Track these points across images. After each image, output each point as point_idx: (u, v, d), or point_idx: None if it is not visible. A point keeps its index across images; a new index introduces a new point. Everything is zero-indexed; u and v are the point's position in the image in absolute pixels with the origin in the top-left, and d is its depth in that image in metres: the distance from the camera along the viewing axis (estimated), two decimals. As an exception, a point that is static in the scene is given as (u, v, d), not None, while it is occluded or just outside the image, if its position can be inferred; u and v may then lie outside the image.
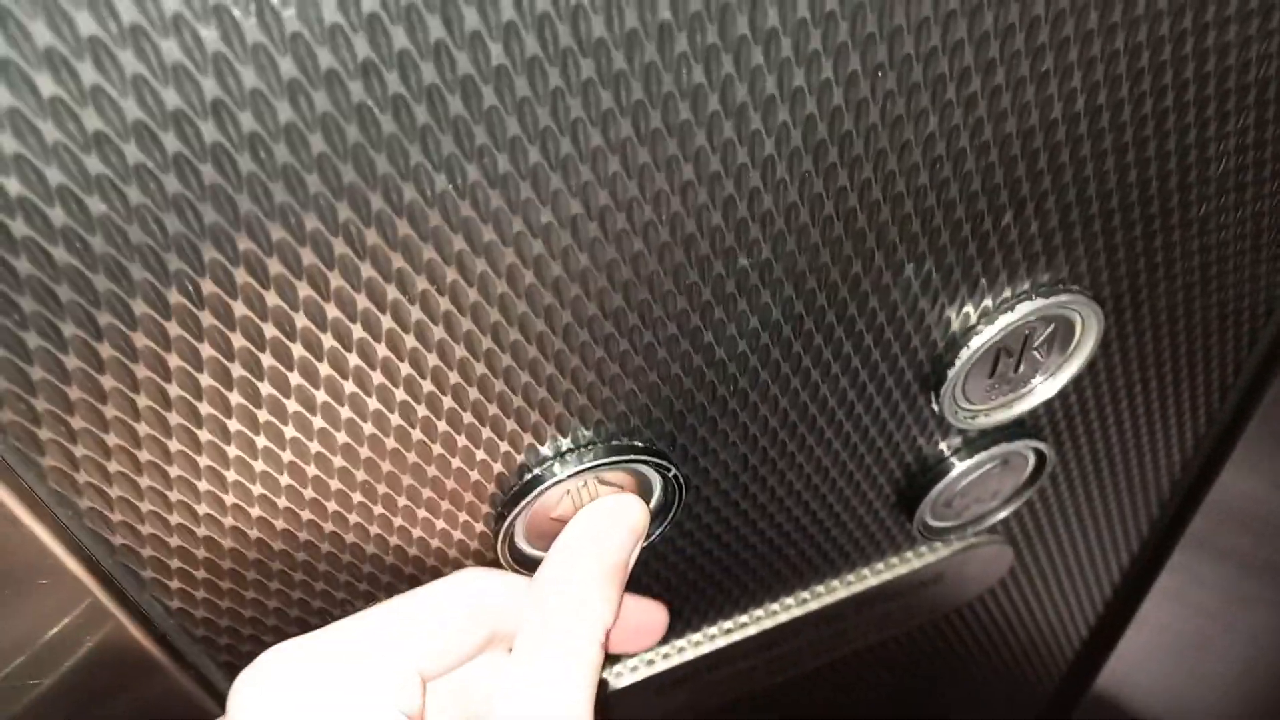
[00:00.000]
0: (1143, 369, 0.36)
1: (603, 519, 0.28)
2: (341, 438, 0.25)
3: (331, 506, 0.26)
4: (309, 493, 0.26)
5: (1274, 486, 0.47)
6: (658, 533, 0.32)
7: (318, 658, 0.23)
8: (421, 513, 0.28)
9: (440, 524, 0.29)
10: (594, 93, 0.20)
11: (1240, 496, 0.48)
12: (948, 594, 0.44)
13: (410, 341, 0.23)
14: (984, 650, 0.54)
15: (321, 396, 0.24)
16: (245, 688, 0.23)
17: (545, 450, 0.28)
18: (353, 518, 0.27)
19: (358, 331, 0.23)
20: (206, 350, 0.22)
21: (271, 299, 0.21)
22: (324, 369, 0.23)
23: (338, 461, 0.25)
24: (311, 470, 0.25)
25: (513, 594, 0.27)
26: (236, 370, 0.22)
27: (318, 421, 0.24)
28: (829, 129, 0.23)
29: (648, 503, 0.31)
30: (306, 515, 0.26)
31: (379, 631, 0.24)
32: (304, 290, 0.21)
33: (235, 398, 0.23)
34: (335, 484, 0.26)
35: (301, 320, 0.22)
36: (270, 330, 0.22)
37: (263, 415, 0.23)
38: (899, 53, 0.22)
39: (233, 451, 0.24)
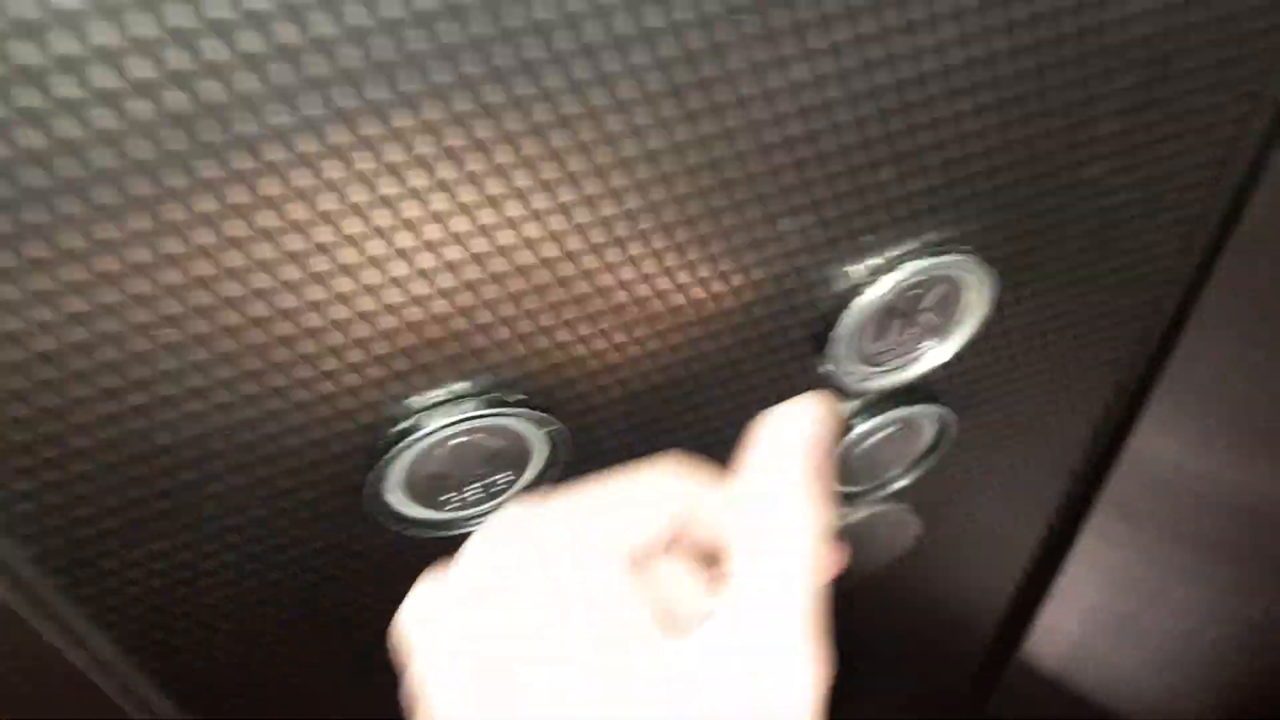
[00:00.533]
0: (1043, 334, 0.36)
1: (795, 419, 0.27)
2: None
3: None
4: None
5: (1185, 450, 0.48)
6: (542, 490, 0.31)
7: (548, 518, 0.25)
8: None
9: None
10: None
11: (1153, 462, 0.48)
12: (855, 561, 0.44)
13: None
14: (903, 623, 0.54)
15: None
16: (480, 541, 0.24)
17: (412, 401, 0.27)
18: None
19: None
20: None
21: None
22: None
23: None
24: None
25: (707, 499, 0.26)
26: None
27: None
28: (689, 71, 0.23)
29: (527, 466, 0.30)
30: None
31: (596, 508, 0.25)
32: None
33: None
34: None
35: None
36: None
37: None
38: (758, -6, 0.22)
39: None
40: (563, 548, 0.24)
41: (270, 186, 0.21)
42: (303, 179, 0.21)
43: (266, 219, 0.21)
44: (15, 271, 0.20)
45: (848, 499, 0.39)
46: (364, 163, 0.21)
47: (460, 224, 0.23)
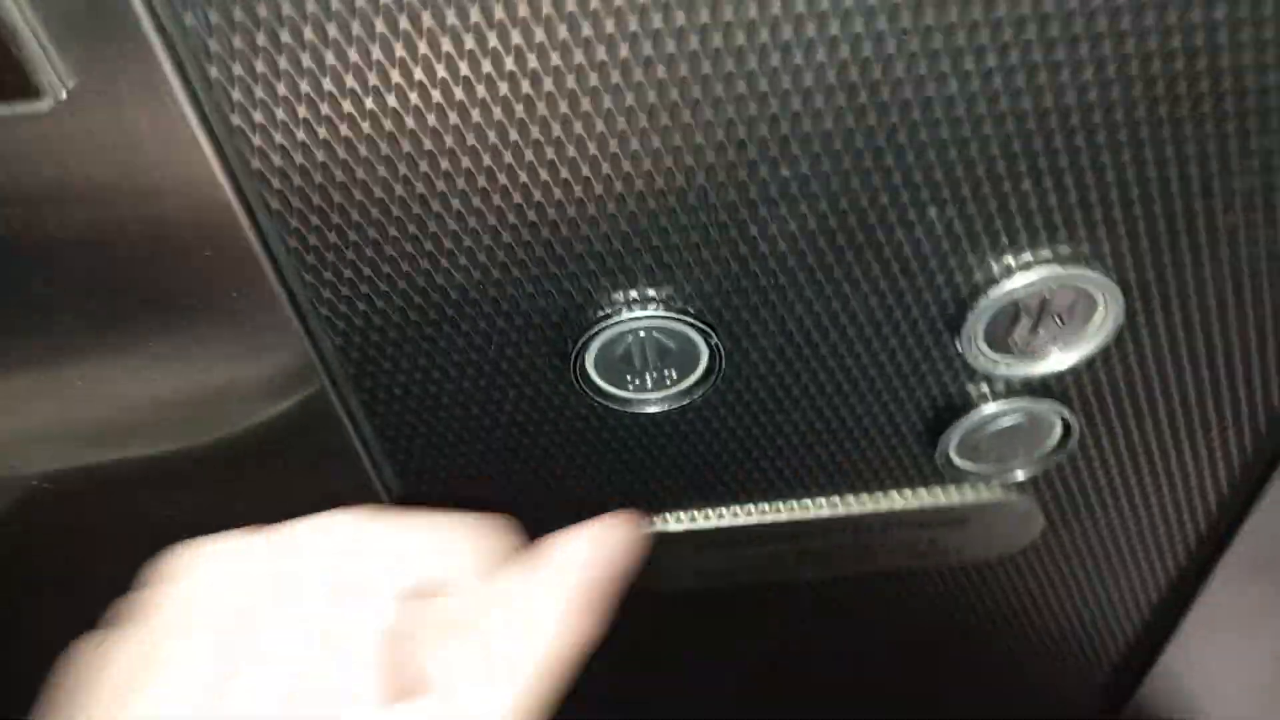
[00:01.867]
0: (1176, 365, 0.40)
1: (585, 541, 0.29)
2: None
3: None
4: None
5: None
6: (700, 394, 0.39)
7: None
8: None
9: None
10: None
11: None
12: (973, 541, 0.48)
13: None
14: (1023, 631, 0.57)
15: None
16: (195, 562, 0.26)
17: (616, 296, 0.36)
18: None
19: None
20: None
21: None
22: None
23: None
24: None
25: (470, 573, 0.27)
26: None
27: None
28: (859, 74, 0.29)
29: (694, 369, 0.38)
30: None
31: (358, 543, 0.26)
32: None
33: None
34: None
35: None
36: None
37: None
38: (921, 22, 0.28)
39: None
40: (314, 579, 0.25)
41: (542, 109, 0.30)
42: (565, 108, 0.30)
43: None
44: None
45: (969, 475, 0.44)
46: (608, 103, 0.30)
47: (670, 162, 0.31)
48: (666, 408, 0.39)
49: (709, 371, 0.38)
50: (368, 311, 0.36)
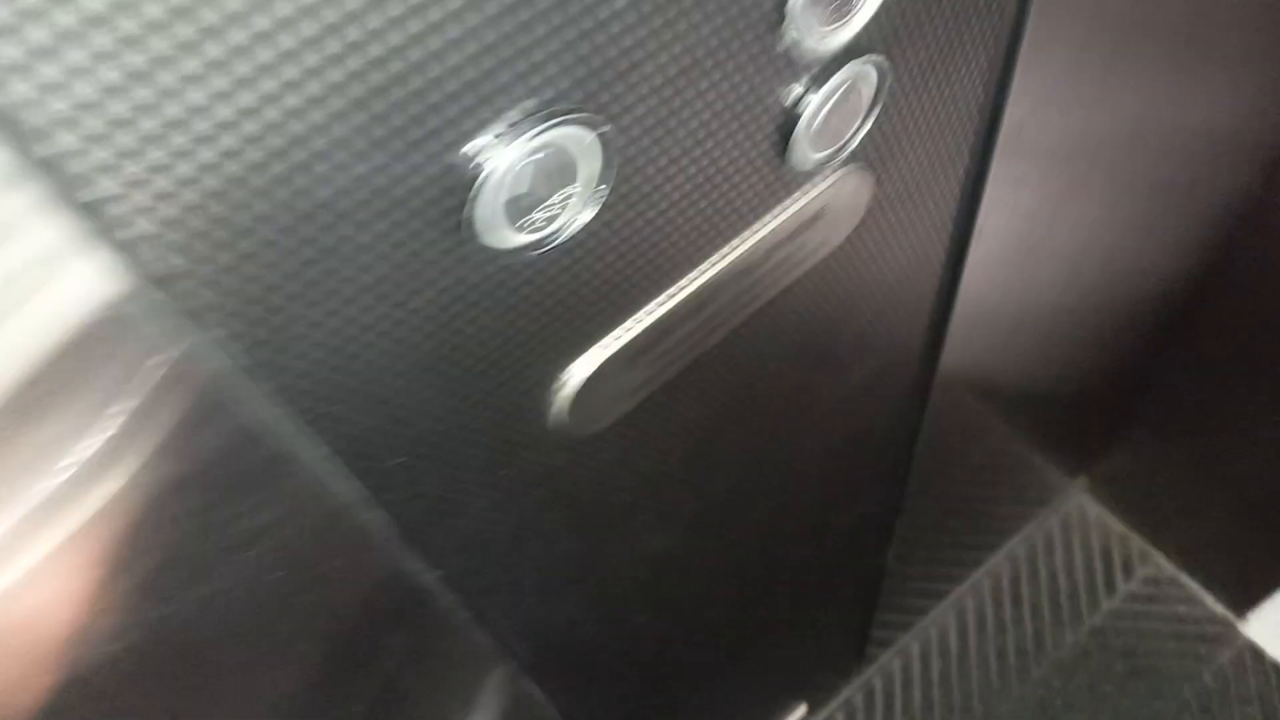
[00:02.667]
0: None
1: None
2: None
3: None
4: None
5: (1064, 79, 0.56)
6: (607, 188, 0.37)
7: None
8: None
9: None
10: None
11: (1040, 92, 0.56)
12: (831, 229, 0.51)
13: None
14: (863, 292, 0.62)
15: None
16: None
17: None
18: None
19: None
20: None
21: None
22: None
23: None
24: None
25: None
26: None
27: None
28: None
29: (578, 177, 0.36)
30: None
31: None
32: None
33: None
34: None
35: None
36: None
37: None
38: None
39: None
40: None
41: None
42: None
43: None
44: None
45: (820, 166, 0.46)
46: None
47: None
48: (575, 230, 0.37)
49: (601, 177, 0.36)
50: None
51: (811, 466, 0.76)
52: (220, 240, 0.28)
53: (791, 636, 1.13)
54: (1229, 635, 1.52)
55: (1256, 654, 1.49)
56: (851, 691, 1.52)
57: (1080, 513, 1.64)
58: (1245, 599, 1.50)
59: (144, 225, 0.26)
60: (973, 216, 0.63)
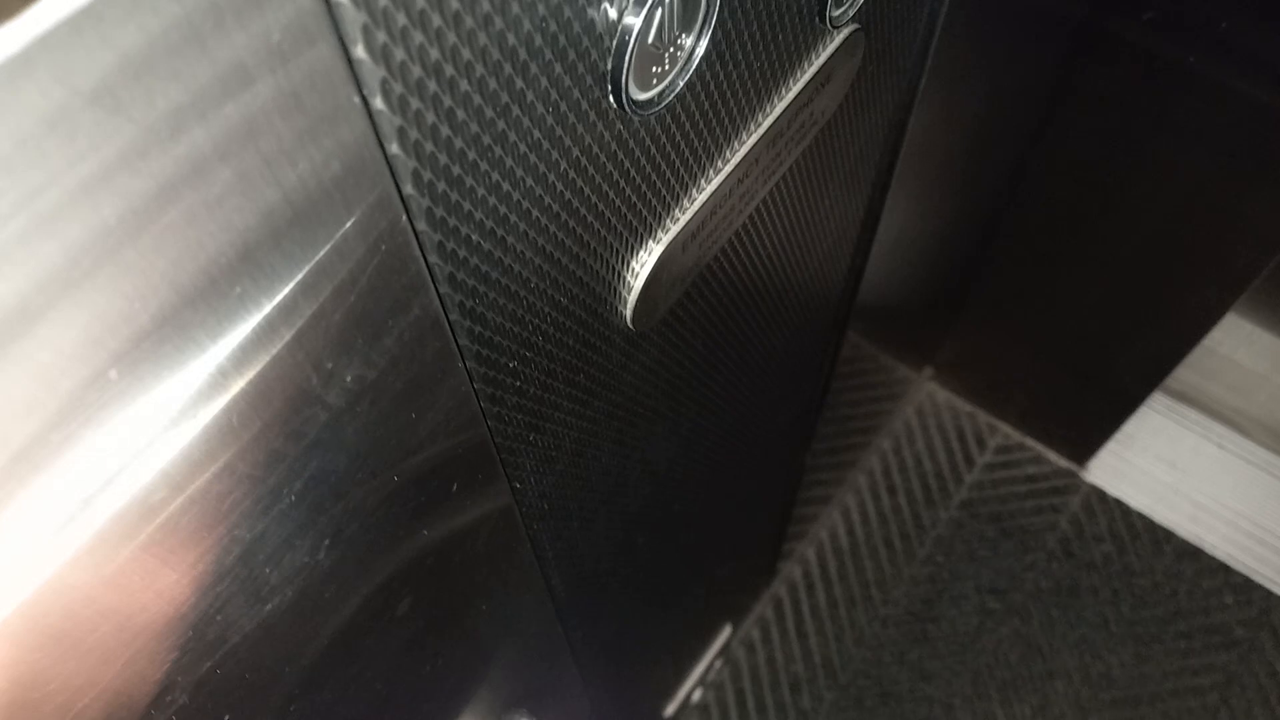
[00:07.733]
0: None
1: None
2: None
3: None
4: None
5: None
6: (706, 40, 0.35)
7: None
8: None
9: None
10: None
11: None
12: (833, 92, 0.52)
13: None
14: (823, 184, 0.64)
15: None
16: None
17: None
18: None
19: None
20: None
21: None
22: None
23: None
24: None
25: None
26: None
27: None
28: None
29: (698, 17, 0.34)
30: None
31: None
32: None
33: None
34: None
35: None
36: None
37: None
38: None
39: None
40: None
41: None
42: None
43: None
44: None
45: (844, 18, 0.47)
46: None
47: None
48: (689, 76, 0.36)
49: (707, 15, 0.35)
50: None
51: (773, 363, 0.78)
52: (434, 94, 0.25)
53: (727, 556, 1.15)
54: (1075, 484, 1.68)
55: (1100, 495, 1.66)
56: (762, 606, 1.57)
57: (931, 400, 1.76)
58: (1084, 450, 1.66)
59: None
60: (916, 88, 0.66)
